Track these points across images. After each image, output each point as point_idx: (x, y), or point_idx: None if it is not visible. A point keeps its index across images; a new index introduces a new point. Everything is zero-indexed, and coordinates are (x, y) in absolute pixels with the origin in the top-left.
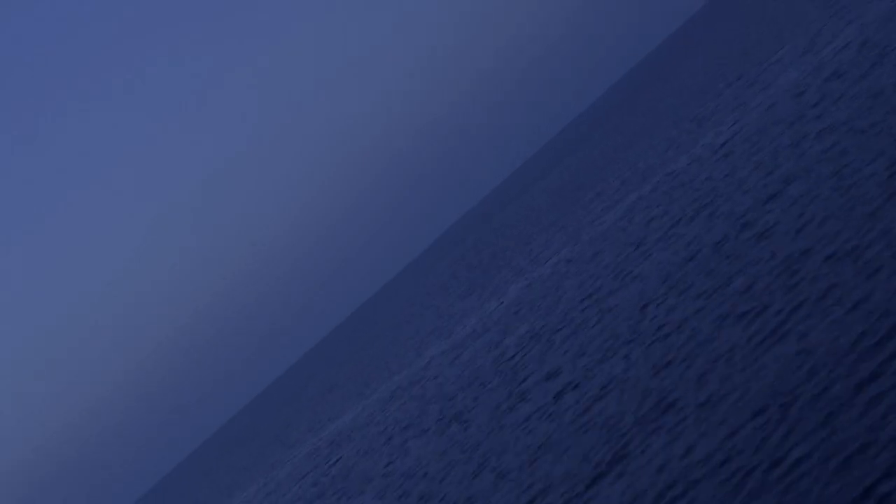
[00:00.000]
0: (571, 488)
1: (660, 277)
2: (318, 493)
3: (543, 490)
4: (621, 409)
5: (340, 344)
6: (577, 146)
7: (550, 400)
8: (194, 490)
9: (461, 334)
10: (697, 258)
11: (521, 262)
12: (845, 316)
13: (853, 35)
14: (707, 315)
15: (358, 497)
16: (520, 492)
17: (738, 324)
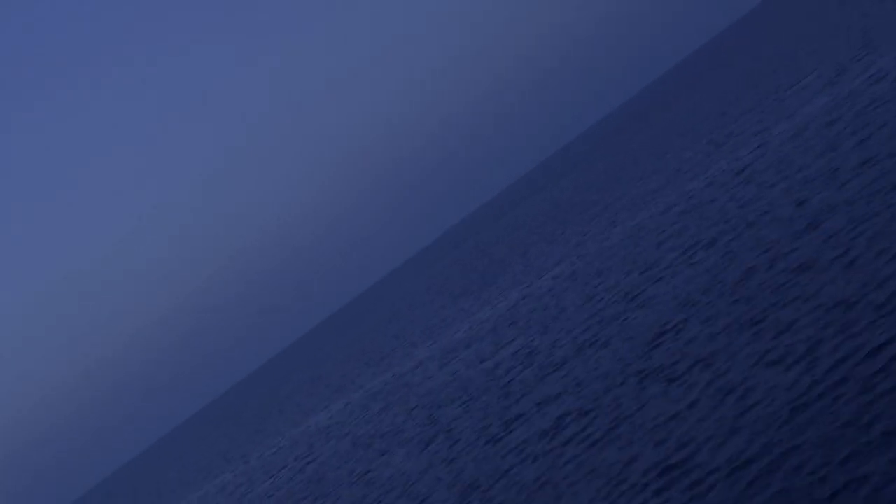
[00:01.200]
0: None
1: (666, 303)
2: (287, 494)
3: None
4: (605, 436)
5: (331, 334)
6: (590, 156)
7: (537, 429)
8: (167, 471)
9: (453, 338)
10: (713, 288)
11: (519, 269)
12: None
13: (889, 66)
14: (715, 345)
15: None
16: None
17: (746, 358)
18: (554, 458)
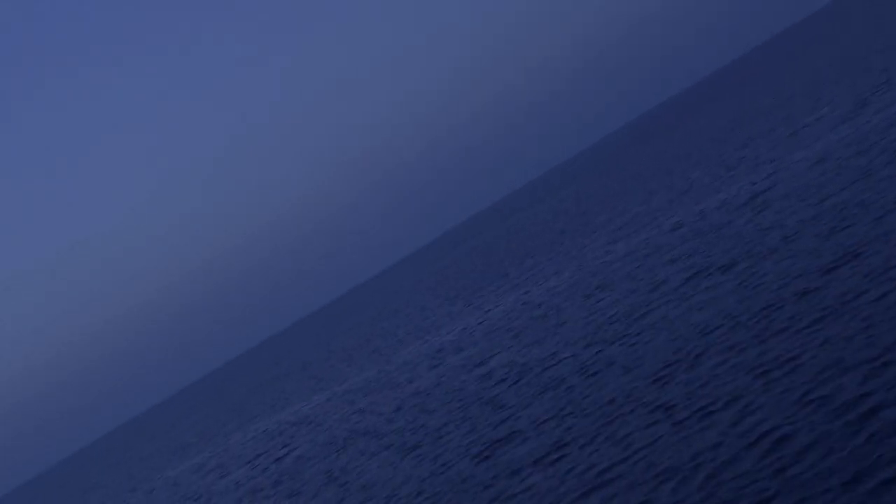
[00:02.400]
0: None
1: (668, 327)
2: (257, 486)
3: None
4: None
5: (327, 321)
6: (598, 168)
7: (523, 450)
8: (147, 445)
9: (444, 339)
10: (720, 315)
11: (516, 275)
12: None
13: None
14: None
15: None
16: None
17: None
18: (531, 479)
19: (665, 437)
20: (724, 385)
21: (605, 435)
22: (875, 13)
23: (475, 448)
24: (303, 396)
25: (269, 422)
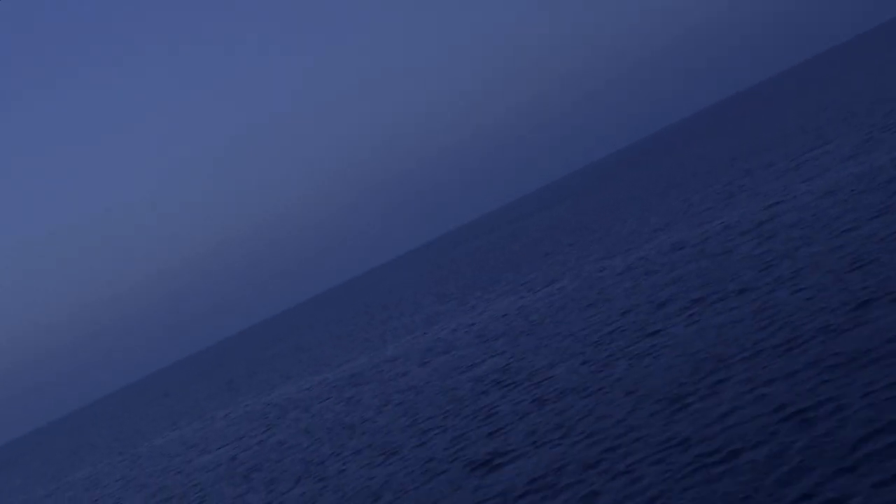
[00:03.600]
0: None
1: (661, 351)
2: (231, 469)
3: None
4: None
5: (328, 306)
6: (599, 185)
7: (507, 465)
8: (138, 412)
9: (438, 336)
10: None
11: (511, 280)
12: None
13: None
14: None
15: (268, 495)
16: None
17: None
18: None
19: (666, 469)
20: (733, 416)
21: (589, 453)
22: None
23: (453, 450)
24: (292, 379)
25: (257, 402)
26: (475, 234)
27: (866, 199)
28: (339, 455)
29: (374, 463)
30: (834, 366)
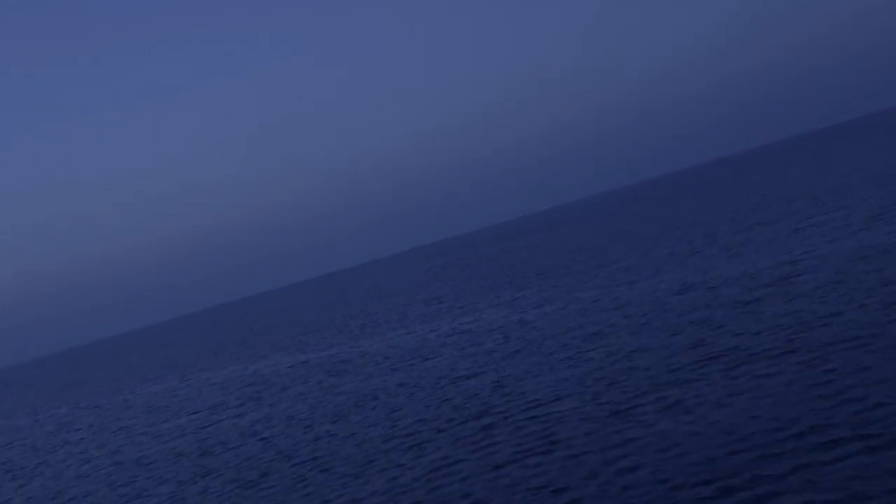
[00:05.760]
0: None
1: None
2: (194, 442)
3: None
4: None
5: (332, 287)
6: (599, 215)
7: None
8: (124, 359)
9: (428, 337)
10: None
11: (507, 293)
12: None
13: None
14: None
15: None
16: None
17: None
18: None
19: None
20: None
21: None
22: None
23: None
24: (281, 352)
25: (243, 370)
26: (478, 240)
27: (873, 274)
28: (306, 442)
29: (340, 450)
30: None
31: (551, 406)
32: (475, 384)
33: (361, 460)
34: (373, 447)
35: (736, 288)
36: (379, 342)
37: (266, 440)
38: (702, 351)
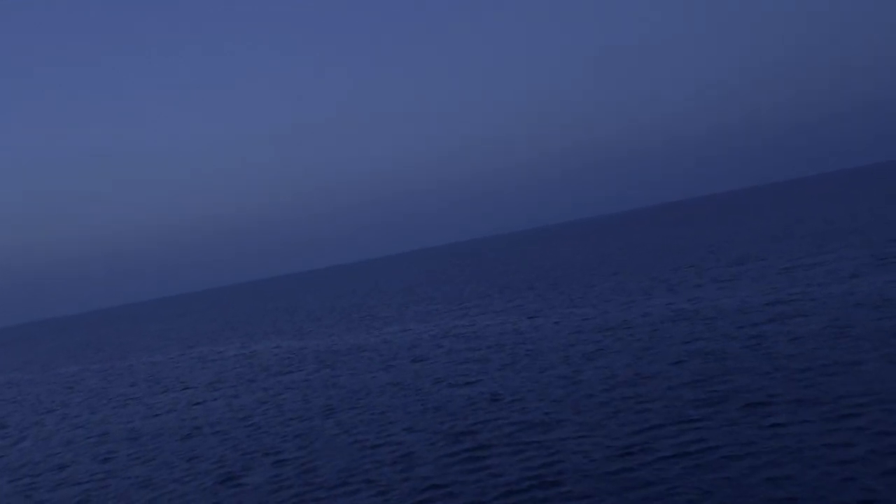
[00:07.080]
0: None
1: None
2: (189, 427)
3: None
4: None
5: (339, 278)
6: (595, 236)
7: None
8: (136, 326)
9: (421, 337)
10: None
11: (498, 302)
12: None
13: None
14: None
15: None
16: None
17: None
18: None
19: None
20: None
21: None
22: None
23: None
24: (278, 336)
25: (245, 349)
26: (480, 247)
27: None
28: (272, 437)
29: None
30: None
31: (548, 432)
32: (468, 391)
33: (344, 465)
34: (359, 452)
35: (730, 319)
36: (375, 337)
37: (254, 427)
38: (707, 387)
